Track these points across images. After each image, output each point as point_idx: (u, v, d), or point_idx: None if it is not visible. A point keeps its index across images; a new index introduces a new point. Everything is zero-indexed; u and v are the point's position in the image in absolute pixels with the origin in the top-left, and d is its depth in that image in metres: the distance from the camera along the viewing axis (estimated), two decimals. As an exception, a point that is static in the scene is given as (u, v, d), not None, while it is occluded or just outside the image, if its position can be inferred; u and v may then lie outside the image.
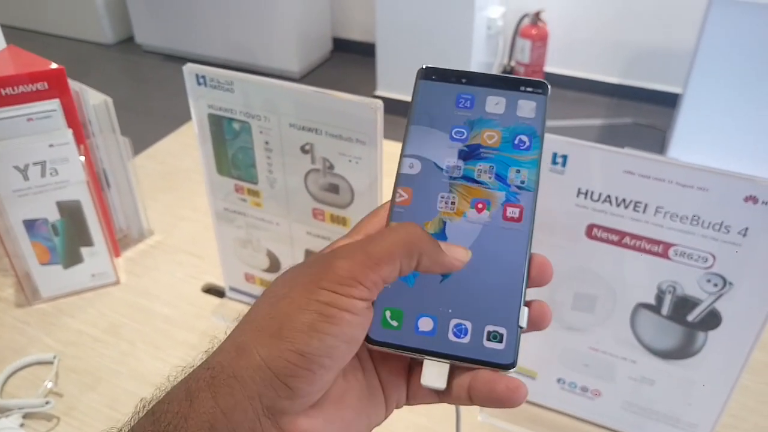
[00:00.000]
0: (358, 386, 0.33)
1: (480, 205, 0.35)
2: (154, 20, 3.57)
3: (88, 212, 0.83)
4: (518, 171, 0.35)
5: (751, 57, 2.14)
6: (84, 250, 0.86)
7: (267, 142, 0.69)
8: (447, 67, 0.38)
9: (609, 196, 0.55)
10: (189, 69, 0.69)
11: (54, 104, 0.79)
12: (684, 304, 0.58)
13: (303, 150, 0.67)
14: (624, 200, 0.55)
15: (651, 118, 2.87)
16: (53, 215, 0.82)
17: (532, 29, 3.01)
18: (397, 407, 0.35)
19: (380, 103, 0.61)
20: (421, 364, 0.33)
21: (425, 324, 0.33)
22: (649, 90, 3.04)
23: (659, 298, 0.59)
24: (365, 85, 3.19)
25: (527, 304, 0.33)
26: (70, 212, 0.82)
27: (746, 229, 0.52)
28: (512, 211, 0.35)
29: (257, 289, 0.84)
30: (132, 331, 0.82)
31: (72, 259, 0.85)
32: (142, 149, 1.20)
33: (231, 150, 0.72)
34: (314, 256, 0.32)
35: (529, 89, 0.37)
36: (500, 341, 0.32)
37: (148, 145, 1.22)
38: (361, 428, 0.33)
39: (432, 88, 0.38)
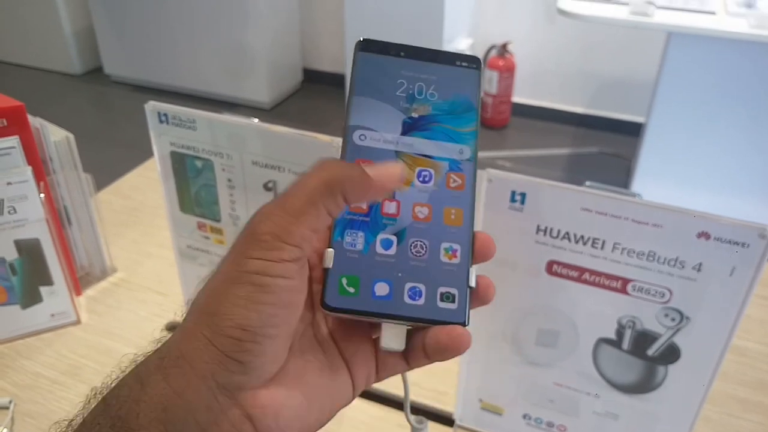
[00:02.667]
0: (317, 365, 0.33)
1: (425, 175, 0.36)
2: (122, 51, 3.55)
3: (47, 250, 0.81)
4: (458, 142, 0.37)
5: (711, 87, 2.21)
6: (43, 290, 0.84)
7: (230, 180, 0.69)
8: (385, 40, 0.38)
9: (567, 233, 0.56)
10: (151, 107, 0.68)
11: (13, 141, 0.78)
12: (644, 339, 0.59)
13: (266, 187, 0.67)
14: (582, 237, 0.56)
15: (616, 147, 2.93)
16: (11, 254, 0.80)
17: (499, 61, 3.07)
18: (368, 384, 0.35)
19: (341, 141, 0.61)
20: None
21: (381, 289, 0.33)
22: (614, 120, 3.11)
23: (620, 332, 0.59)
24: (335, 115, 3.20)
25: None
26: (29, 251, 0.80)
27: (700, 264, 0.53)
28: (455, 180, 0.36)
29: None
30: (92, 372, 0.80)
31: (30, 299, 0.84)
32: (108, 183, 1.18)
33: (194, 187, 0.71)
34: (244, 227, 0.32)
35: (464, 64, 0.38)
36: (453, 301, 0.34)
37: (115, 178, 1.20)
38: (324, 405, 0.33)
39: (372, 60, 0.38)
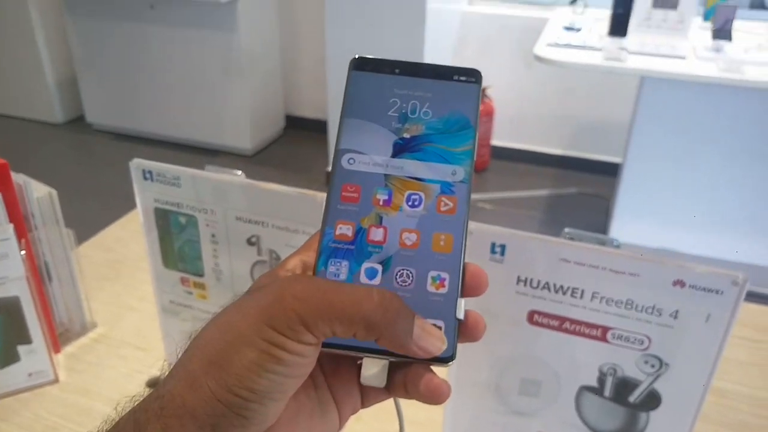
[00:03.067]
0: (310, 404, 0.33)
1: (415, 198, 0.34)
2: (105, 99, 3.58)
3: (27, 308, 0.81)
4: (452, 163, 0.35)
5: (684, 128, 2.27)
6: (21, 348, 0.83)
7: (213, 235, 0.69)
8: (380, 57, 0.37)
9: (547, 283, 0.57)
10: (136, 164, 0.69)
11: (-5, 199, 0.78)
12: (625, 386, 0.59)
13: (249, 242, 0.68)
14: (562, 287, 0.57)
15: (595, 187, 2.98)
16: (-9, 312, 0.79)
17: (478, 105, 3.13)
18: (354, 413, 0.35)
19: (324, 195, 0.62)
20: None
21: None
22: (592, 160, 3.17)
23: (601, 380, 0.60)
24: (317, 161, 3.23)
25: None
26: (8, 309, 0.80)
27: (677, 311, 0.54)
28: (446, 203, 0.34)
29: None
30: (71, 432, 0.79)
31: (7, 358, 0.82)
32: (90, 235, 1.18)
33: (177, 243, 0.72)
34: (266, 279, 0.31)
35: (462, 78, 0.36)
36: None
37: (97, 229, 1.20)
38: None
39: (365, 79, 0.36)
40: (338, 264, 0.33)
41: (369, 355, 0.32)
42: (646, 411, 0.60)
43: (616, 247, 0.71)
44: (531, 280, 0.57)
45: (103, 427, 0.29)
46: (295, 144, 3.56)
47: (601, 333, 0.57)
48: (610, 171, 2.81)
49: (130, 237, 1.18)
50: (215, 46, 3.15)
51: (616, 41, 2.20)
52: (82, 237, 0.97)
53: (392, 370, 0.32)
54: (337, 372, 0.34)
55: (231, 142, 3.38)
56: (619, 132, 2.63)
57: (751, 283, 0.52)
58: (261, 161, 3.37)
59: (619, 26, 2.24)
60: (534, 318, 0.59)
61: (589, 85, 2.98)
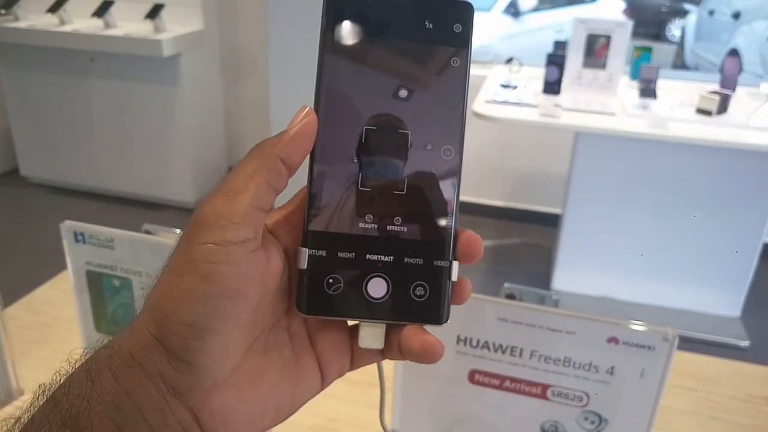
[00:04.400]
0: (281, 364, 0.31)
1: (403, 149, 0.33)
2: (40, 152, 3.48)
3: (-54, 379, 0.76)
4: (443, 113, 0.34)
5: (618, 180, 2.37)
6: (-61, 422, 0.77)
7: (148, 298, 0.67)
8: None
9: (487, 342, 0.57)
10: (67, 226, 0.67)
11: None
12: (567, 443, 0.60)
13: (186, 305, 0.66)
14: (501, 346, 0.57)
15: (536, 238, 3.05)
16: None
17: (421, 158, 3.19)
18: (341, 375, 0.34)
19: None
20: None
21: (358, 289, 0.32)
22: (533, 211, 3.25)
23: (543, 438, 0.60)
24: (263, 213, 3.20)
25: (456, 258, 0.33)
26: (-75, 380, 0.75)
27: (612, 367, 0.55)
28: (444, 155, 0.33)
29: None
30: None
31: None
32: (21, 295, 1.13)
33: (111, 306, 0.69)
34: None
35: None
36: (431, 297, 0.32)
37: (29, 287, 1.15)
38: (283, 404, 0.31)
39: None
40: (329, 210, 0.32)
41: (365, 320, 0.32)
42: (588, 468, 0.60)
43: (555, 302, 0.72)
44: (471, 339, 0.58)
45: (56, 378, 0.28)
46: (239, 197, 3.52)
47: (541, 390, 0.58)
48: (551, 221, 2.89)
49: (61, 298, 1.14)
50: (157, 99, 3.13)
51: (551, 98, 2.30)
52: (10, 298, 0.92)
53: (387, 331, 0.33)
54: (326, 332, 0.33)
55: (173, 195, 3.32)
56: (557, 183, 2.72)
57: (686, 328, 0.53)
58: (204, 214, 3.32)
59: (552, 85, 2.35)
60: (475, 377, 0.59)
61: (528, 139, 3.08)
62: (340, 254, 0.32)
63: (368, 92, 0.33)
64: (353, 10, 0.34)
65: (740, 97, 2.36)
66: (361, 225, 0.32)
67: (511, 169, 3.25)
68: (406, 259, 0.32)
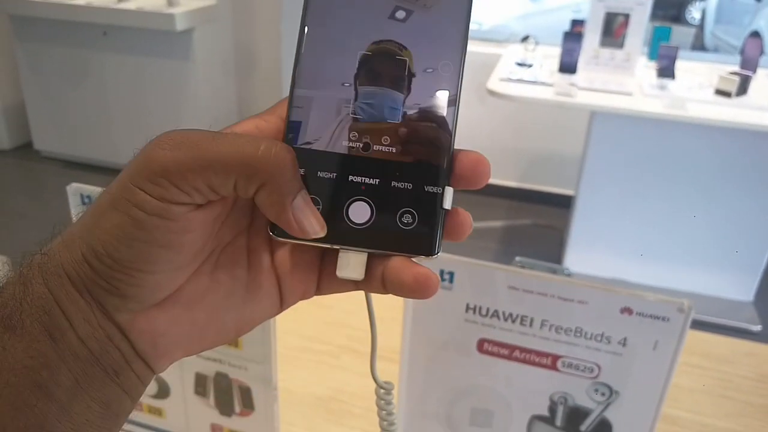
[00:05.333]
0: (231, 285, 0.30)
1: (394, 66, 0.30)
2: (54, 126, 3.49)
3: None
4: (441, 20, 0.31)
5: (633, 161, 2.34)
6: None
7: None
8: None
9: (497, 311, 0.56)
10: (74, 189, 0.66)
11: None
12: (576, 415, 0.59)
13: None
14: (511, 315, 0.56)
15: (549, 219, 3.03)
16: None
17: (434, 137, 3.17)
18: (304, 298, 0.32)
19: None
20: (335, 253, 0.30)
21: (338, 212, 0.29)
22: (546, 192, 3.23)
23: (552, 409, 0.59)
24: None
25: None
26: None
27: (625, 339, 0.54)
28: (442, 71, 0.30)
29: (144, 417, 0.78)
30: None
31: None
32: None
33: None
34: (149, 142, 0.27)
35: None
36: (421, 226, 0.29)
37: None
38: (228, 326, 0.30)
39: None
40: (311, 125, 0.30)
41: (344, 247, 0.29)
42: (597, 440, 0.59)
43: (567, 275, 0.71)
44: (480, 308, 0.57)
45: None
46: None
47: (551, 361, 0.57)
48: (564, 203, 2.86)
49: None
50: (170, 73, 3.12)
51: (566, 77, 2.27)
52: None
53: (368, 262, 0.30)
54: (292, 255, 0.31)
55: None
56: (571, 165, 2.69)
57: (699, 312, 0.52)
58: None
59: (568, 64, 2.31)
60: (484, 347, 0.58)
61: (542, 119, 3.05)
62: (320, 174, 0.29)
63: (360, 9, 0.30)
64: None
65: (761, 78, 2.31)
66: (344, 143, 0.30)
67: (524, 149, 3.22)
68: (392, 183, 0.29)
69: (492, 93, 2.19)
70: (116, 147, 3.39)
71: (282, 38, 2.72)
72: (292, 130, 0.30)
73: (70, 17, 3.06)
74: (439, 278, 0.29)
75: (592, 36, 2.36)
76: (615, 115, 2.16)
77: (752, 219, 2.27)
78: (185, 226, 0.26)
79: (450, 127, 0.30)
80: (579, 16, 2.66)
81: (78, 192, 0.66)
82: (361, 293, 0.33)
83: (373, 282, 0.30)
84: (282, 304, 0.31)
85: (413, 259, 0.29)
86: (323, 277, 0.31)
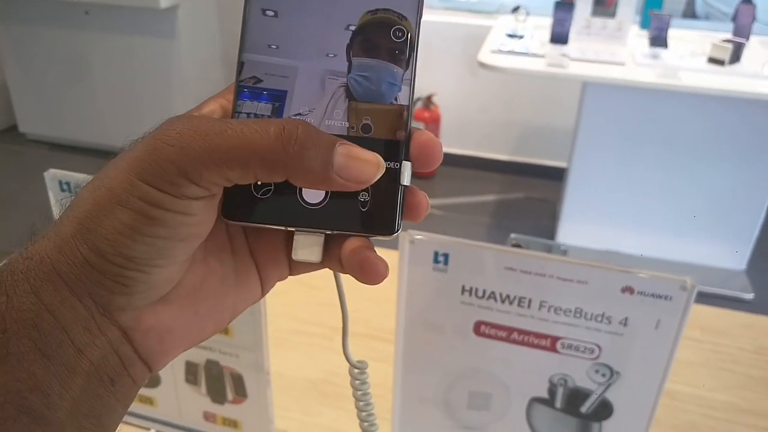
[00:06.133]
0: (222, 270, 0.29)
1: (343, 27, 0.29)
2: (38, 108, 3.43)
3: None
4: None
5: (626, 132, 2.32)
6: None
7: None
8: None
9: (493, 293, 0.55)
10: (51, 175, 0.64)
11: None
12: (576, 396, 0.57)
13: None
14: (508, 296, 0.54)
15: (542, 192, 3.01)
16: None
17: (424, 112, 3.13)
18: (280, 280, 0.31)
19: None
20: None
21: (291, 193, 0.28)
22: (538, 165, 3.21)
23: (552, 391, 0.58)
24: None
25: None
26: None
27: (626, 318, 0.53)
28: (394, 37, 0.29)
29: (136, 406, 0.77)
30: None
31: None
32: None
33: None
34: (174, 124, 0.25)
35: None
36: (377, 205, 0.28)
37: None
38: (223, 314, 0.29)
39: None
40: (256, 101, 0.29)
41: (299, 228, 0.28)
42: (599, 421, 0.58)
43: (563, 252, 0.69)
44: (476, 289, 0.55)
45: None
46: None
47: (550, 343, 0.55)
48: (557, 175, 2.85)
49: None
50: (155, 52, 3.06)
51: (558, 48, 2.23)
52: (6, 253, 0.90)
53: (327, 241, 0.29)
54: (261, 237, 0.30)
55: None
56: (563, 137, 2.67)
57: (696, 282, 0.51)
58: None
59: (560, 34, 2.27)
60: (481, 329, 0.56)
61: (533, 91, 3.01)
62: None
63: None
64: None
65: (754, 46, 2.29)
66: (295, 117, 0.28)
67: (516, 122, 3.19)
68: None
69: (483, 65, 2.15)
70: (103, 128, 3.34)
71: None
72: (240, 106, 0.29)
73: (50, -4, 2.98)
74: (387, 265, 0.27)
75: (583, 5, 2.32)
76: (607, 85, 2.13)
77: (745, 188, 2.26)
78: (205, 219, 0.26)
79: (409, 98, 0.29)
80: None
81: (56, 178, 0.63)
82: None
83: (333, 261, 0.29)
84: (263, 287, 0.31)
85: (372, 239, 0.28)
86: (293, 262, 0.30)
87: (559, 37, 2.28)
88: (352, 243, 0.28)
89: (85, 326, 0.24)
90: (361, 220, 0.28)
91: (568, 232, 2.49)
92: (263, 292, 0.31)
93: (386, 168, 0.27)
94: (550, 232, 2.61)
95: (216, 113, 0.29)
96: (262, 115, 0.29)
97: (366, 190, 0.27)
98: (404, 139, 0.28)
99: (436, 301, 0.56)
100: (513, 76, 2.43)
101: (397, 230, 0.28)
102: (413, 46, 0.29)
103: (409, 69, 0.29)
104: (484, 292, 0.55)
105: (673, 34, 2.30)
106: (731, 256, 2.36)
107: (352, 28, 0.29)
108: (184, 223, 0.25)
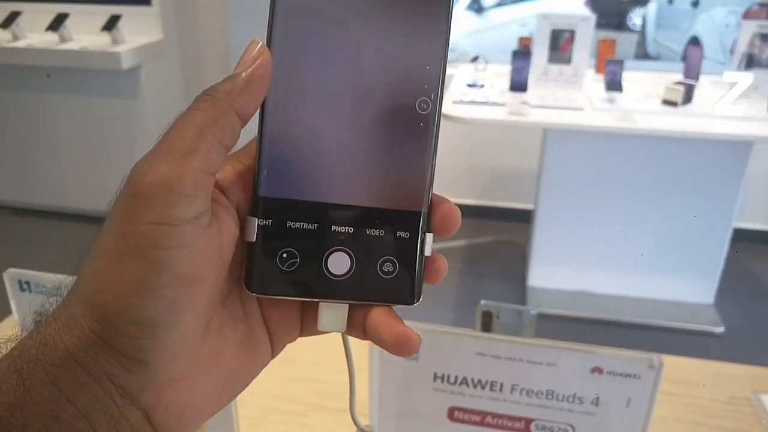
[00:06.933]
0: (236, 342, 0.28)
1: (372, 102, 0.28)
2: (2, 172, 3.37)
3: None
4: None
5: (588, 174, 2.37)
6: None
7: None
8: None
9: (465, 378, 0.55)
10: (10, 275, 0.62)
11: None
12: (554, 477, 0.57)
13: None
14: (480, 381, 0.54)
15: (510, 235, 3.05)
16: None
17: (392, 159, 3.17)
18: (290, 342, 0.31)
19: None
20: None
21: (316, 265, 0.28)
22: (505, 208, 3.25)
23: (529, 472, 0.58)
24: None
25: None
26: None
27: (597, 398, 0.53)
28: (419, 109, 0.29)
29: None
30: None
31: None
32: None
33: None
34: (122, 184, 0.25)
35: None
36: (401, 275, 0.28)
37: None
38: (237, 383, 0.29)
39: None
40: (283, 172, 0.28)
41: (324, 300, 0.28)
42: (577, 501, 0.58)
43: (534, 316, 0.70)
44: (448, 376, 0.55)
45: None
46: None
47: (524, 425, 0.55)
48: (524, 217, 2.88)
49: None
50: (119, 113, 3.05)
51: (518, 96, 2.29)
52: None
53: (350, 309, 0.29)
54: (275, 304, 0.29)
55: (140, 210, 3.24)
56: (529, 179, 2.72)
57: (663, 318, 0.51)
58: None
59: (518, 82, 2.34)
60: (455, 415, 0.56)
61: (497, 137, 3.08)
62: (295, 225, 0.28)
63: (335, 34, 0.28)
64: None
65: (704, 86, 2.38)
66: (320, 190, 0.28)
67: (481, 167, 3.24)
68: (372, 231, 0.28)
69: (446, 117, 2.19)
70: (68, 190, 3.30)
71: (231, 71, 2.69)
72: (262, 179, 0.28)
73: (10, 60, 2.97)
74: (420, 337, 0.28)
75: (540, 53, 2.39)
76: (568, 130, 2.19)
77: (706, 222, 2.32)
78: (203, 251, 0.25)
79: (428, 173, 0.29)
80: (525, 32, 2.70)
81: (15, 278, 0.62)
82: (325, 343, 0.32)
83: (354, 330, 0.29)
84: (273, 351, 0.30)
85: (394, 308, 0.29)
86: (306, 321, 0.30)
87: (518, 86, 2.34)
88: (381, 315, 0.28)
89: (106, 412, 0.24)
90: (384, 290, 0.28)
91: (539, 274, 2.51)
92: (273, 355, 0.31)
93: (409, 240, 0.28)
94: (521, 275, 2.63)
95: (228, 179, 0.29)
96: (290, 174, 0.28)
97: (390, 260, 0.28)
98: (426, 209, 0.29)
99: (408, 388, 0.56)
100: (476, 125, 2.49)
101: (419, 300, 0.29)
102: (436, 132, 0.29)
103: (433, 140, 0.29)
104: (456, 378, 0.55)
105: (627, 76, 2.38)
106: (699, 290, 2.41)
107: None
108: (183, 261, 0.24)
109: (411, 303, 0.29)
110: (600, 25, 4.10)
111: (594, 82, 2.45)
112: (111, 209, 0.25)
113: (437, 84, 0.29)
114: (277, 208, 0.28)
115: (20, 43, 2.96)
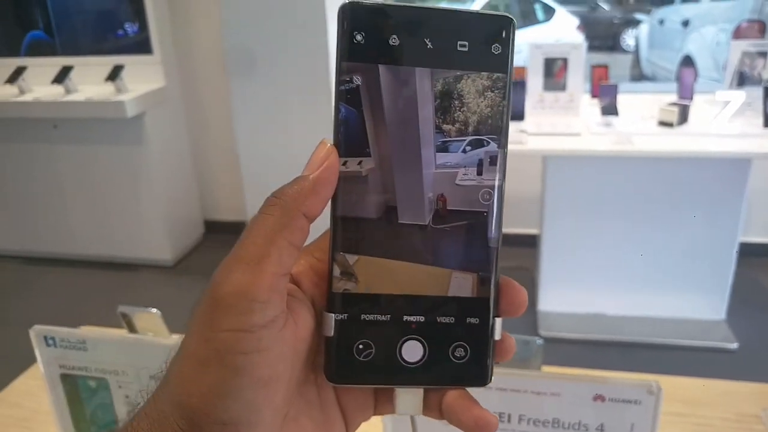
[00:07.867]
0: (312, 426, 0.29)
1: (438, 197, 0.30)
2: (8, 223, 3.42)
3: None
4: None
5: (589, 197, 2.40)
6: None
7: (128, 396, 0.66)
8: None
9: (474, 411, 0.57)
10: (36, 331, 0.65)
11: None
12: (565, 503, 0.59)
13: (167, 399, 0.65)
14: (488, 413, 0.57)
15: (517, 260, 3.06)
16: None
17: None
18: (364, 421, 0.32)
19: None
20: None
21: (392, 354, 0.30)
22: (511, 234, 3.27)
23: (542, 500, 0.59)
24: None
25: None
26: None
27: (602, 425, 0.55)
28: (482, 199, 0.31)
29: None
30: None
31: None
32: (-3, 387, 1.09)
33: (89, 408, 0.68)
34: (205, 291, 0.27)
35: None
36: (473, 359, 0.30)
37: (3, 378, 1.11)
38: None
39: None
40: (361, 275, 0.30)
41: (400, 385, 0.30)
42: None
43: (540, 345, 0.72)
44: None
45: None
46: (216, 249, 3.49)
47: (533, 454, 0.57)
48: (530, 242, 2.90)
49: (40, 388, 1.10)
50: (125, 160, 3.11)
51: (516, 124, 2.33)
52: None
53: (425, 392, 0.30)
54: (351, 390, 0.31)
55: (149, 254, 3.28)
56: (532, 204, 2.74)
57: (676, 336, 0.53)
58: (183, 271, 3.28)
59: (515, 111, 2.38)
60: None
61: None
62: (370, 317, 0.29)
63: (397, 127, 0.29)
64: (374, 32, 0.29)
65: (699, 105, 2.41)
66: (393, 284, 0.30)
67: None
68: (443, 319, 0.30)
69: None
70: (75, 238, 3.34)
71: (233, 116, 2.75)
72: (337, 276, 0.29)
73: (18, 114, 3.04)
74: (498, 419, 0.31)
75: (534, 81, 2.44)
76: (567, 156, 2.22)
77: (712, 238, 2.33)
78: (279, 353, 0.26)
79: (497, 255, 0.31)
80: (519, 60, 2.75)
81: (41, 334, 0.65)
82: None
83: (429, 411, 0.30)
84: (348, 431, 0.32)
85: (467, 389, 0.30)
86: (380, 399, 0.32)
87: (516, 115, 2.38)
88: (458, 399, 0.29)
89: None
90: (457, 374, 0.30)
91: (548, 299, 2.52)
92: None
93: (480, 325, 0.30)
94: (531, 300, 2.61)
95: (305, 274, 0.30)
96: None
97: (461, 346, 0.30)
98: (495, 295, 0.30)
99: (417, 420, 0.58)
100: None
101: (490, 380, 0.30)
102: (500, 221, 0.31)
103: (497, 236, 0.31)
104: (465, 411, 0.57)
105: (623, 99, 2.42)
106: (710, 307, 2.41)
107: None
108: (261, 364, 0.26)
109: (483, 384, 0.30)
110: (594, 47, 4.17)
111: (590, 107, 2.49)
112: (193, 315, 0.27)
113: (500, 173, 0.31)
114: (351, 302, 0.29)
115: (27, 97, 3.03)
